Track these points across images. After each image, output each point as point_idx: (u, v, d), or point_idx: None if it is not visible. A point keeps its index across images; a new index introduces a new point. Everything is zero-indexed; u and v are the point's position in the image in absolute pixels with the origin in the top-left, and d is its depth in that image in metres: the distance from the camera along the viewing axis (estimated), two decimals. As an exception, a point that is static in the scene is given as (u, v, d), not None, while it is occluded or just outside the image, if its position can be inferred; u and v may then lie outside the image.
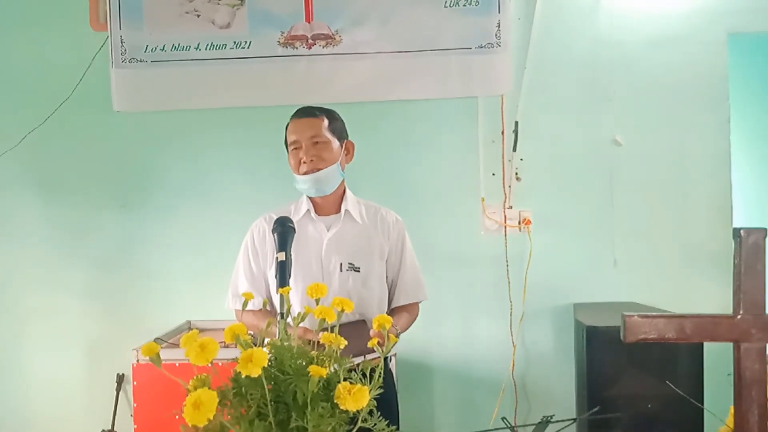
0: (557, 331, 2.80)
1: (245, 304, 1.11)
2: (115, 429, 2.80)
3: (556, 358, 2.79)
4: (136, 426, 2.40)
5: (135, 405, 2.41)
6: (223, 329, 0.97)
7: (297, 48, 2.52)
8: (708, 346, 2.25)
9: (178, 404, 2.63)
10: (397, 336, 1.51)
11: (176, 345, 2.51)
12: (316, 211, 1.86)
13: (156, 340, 2.55)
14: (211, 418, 0.75)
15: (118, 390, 2.85)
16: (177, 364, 2.35)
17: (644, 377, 2.26)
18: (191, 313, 2.85)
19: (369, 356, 1.43)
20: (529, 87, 2.75)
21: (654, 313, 0.88)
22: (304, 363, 0.87)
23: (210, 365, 0.84)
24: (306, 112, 1.83)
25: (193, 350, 0.81)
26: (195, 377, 0.89)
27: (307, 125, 1.79)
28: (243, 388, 0.84)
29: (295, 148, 1.80)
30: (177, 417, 2.55)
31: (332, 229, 1.83)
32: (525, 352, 2.81)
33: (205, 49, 2.54)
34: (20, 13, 2.88)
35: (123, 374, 2.85)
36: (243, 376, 0.81)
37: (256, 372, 0.79)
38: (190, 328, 2.82)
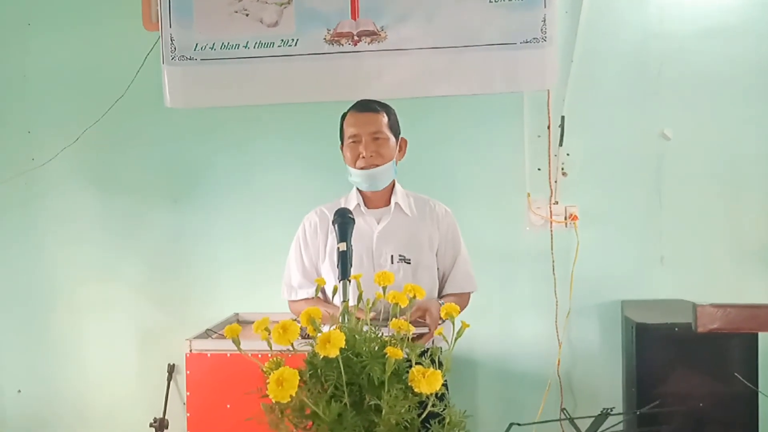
0: (604, 328, 2.76)
1: (318, 289, 1.15)
2: (166, 417, 2.88)
3: (603, 356, 2.76)
4: (189, 414, 2.46)
5: (188, 394, 2.48)
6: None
7: (343, 45, 2.54)
8: (762, 346, 2.20)
9: (229, 393, 2.68)
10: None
11: (225, 336, 2.58)
12: (366, 205, 1.88)
13: (207, 331, 2.62)
14: (293, 394, 0.78)
15: (169, 380, 2.93)
16: (228, 355, 2.43)
17: (695, 375, 2.23)
18: (239, 306, 2.91)
19: None
20: (576, 81, 2.71)
21: (726, 303, 0.87)
22: (377, 347, 0.89)
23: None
24: (367, 107, 1.84)
25: (276, 331, 0.85)
26: (270, 360, 0.92)
27: (368, 120, 1.81)
28: (319, 370, 0.87)
29: (354, 142, 1.81)
30: (228, 407, 2.60)
31: (382, 222, 1.86)
32: (571, 348, 2.79)
33: (254, 47, 2.57)
34: (77, 15, 2.98)
35: (174, 364, 2.93)
36: (320, 358, 0.84)
37: (334, 352, 0.81)
38: (238, 321, 2.89)
